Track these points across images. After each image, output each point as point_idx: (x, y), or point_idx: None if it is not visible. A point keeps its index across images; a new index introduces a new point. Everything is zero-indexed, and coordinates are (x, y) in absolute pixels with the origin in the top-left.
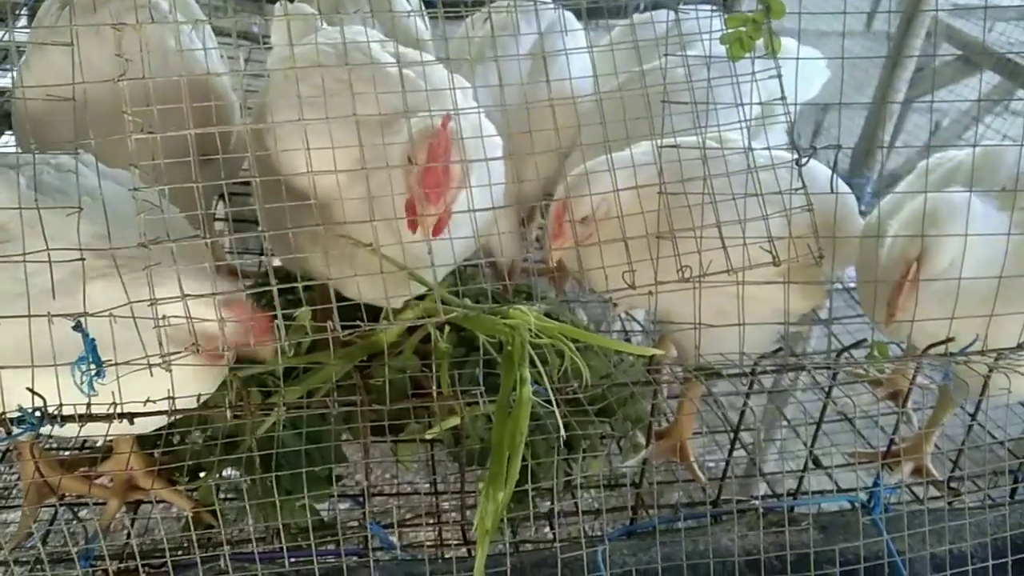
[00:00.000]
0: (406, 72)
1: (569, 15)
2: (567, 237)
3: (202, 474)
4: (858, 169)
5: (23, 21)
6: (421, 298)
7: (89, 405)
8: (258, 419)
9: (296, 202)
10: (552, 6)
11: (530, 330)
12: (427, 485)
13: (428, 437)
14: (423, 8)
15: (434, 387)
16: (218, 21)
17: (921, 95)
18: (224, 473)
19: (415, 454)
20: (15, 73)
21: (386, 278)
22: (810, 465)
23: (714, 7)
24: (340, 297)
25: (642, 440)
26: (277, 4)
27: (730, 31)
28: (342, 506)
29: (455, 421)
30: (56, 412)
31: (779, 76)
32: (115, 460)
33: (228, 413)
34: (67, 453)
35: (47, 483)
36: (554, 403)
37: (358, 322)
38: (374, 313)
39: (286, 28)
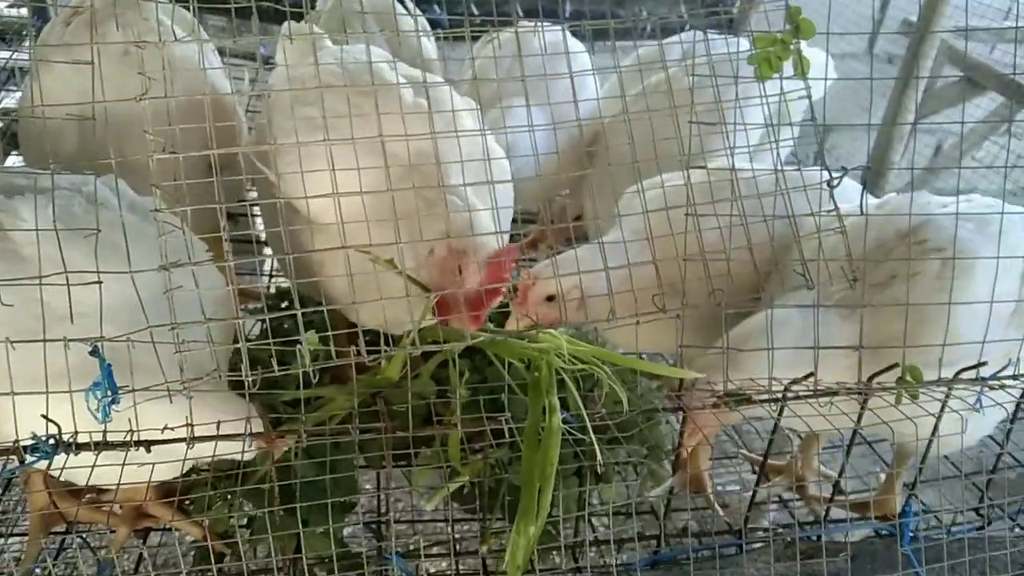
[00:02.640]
0: (419, 100)
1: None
2: (528, 312)
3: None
4: (868, 190)
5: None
6: None
7: (105, 432)
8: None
9: (306, 225)
10: (557, 28)
11: (559, 355)
12: (438, 513)
13: (452, 488)
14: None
15: (455, 415)
16: (225, 42)
17: (925, 116)
18: (237, 502)
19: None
20: (24, 91)
21: (410, 302)
22: (837, 494)
23: (718, 31)
24: (352, 324)
25: (662, 469)
26: (284, 25)
27: (758, 51)
28: (346, 531)
29: (476, 468)
30: (71, 440)
31: (809, 97)
32: (128, 488)
33: (246, 441)
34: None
35: (58, 512)
36: (586, 431)
37: (380, 346)
38: (391, 340)
39: (291, 48)
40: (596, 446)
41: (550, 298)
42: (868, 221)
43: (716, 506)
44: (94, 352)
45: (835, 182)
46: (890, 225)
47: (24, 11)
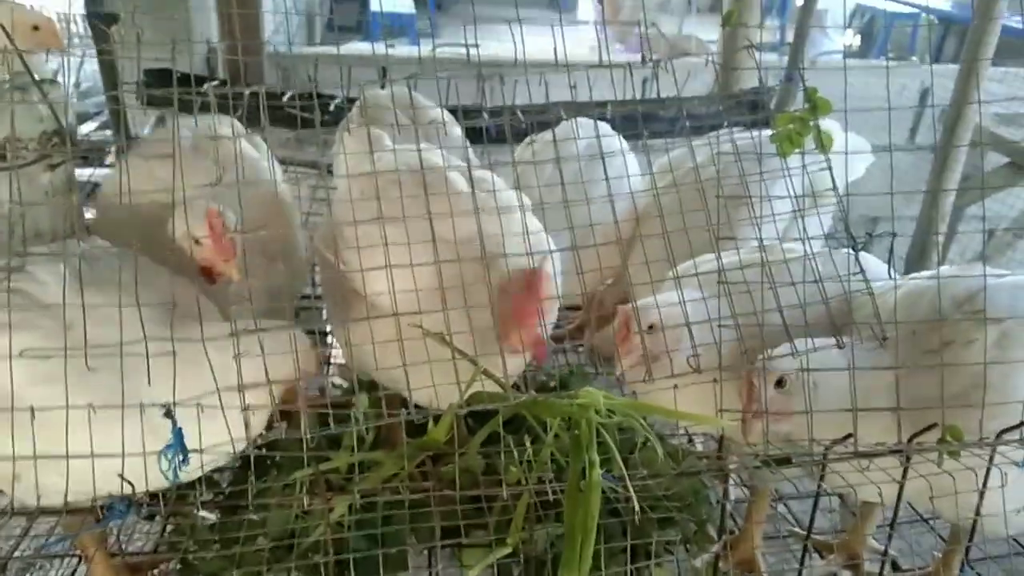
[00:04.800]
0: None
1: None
2: (636, 347)
3: None
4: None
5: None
6: None
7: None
8: (328, 508)
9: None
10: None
11: (597, 411)
12: None
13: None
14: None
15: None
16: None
17: (969, 203)
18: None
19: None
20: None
21: (458, 368)
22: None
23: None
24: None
25: (709, 544)
26: (346, 133)
27: (779, 130)
28: None
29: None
30: (143, 500)
31: (829, 169)
32: None
33: (305, 500)
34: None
35: None
36: (626, 489)
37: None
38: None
39: (350, 140)
40: (635, 501)
41: (651, 327)
42: (918, 290)
43: None
44: (168, 414)
45: (859, 246)
46: (945, 292)
47: (108, 133)
